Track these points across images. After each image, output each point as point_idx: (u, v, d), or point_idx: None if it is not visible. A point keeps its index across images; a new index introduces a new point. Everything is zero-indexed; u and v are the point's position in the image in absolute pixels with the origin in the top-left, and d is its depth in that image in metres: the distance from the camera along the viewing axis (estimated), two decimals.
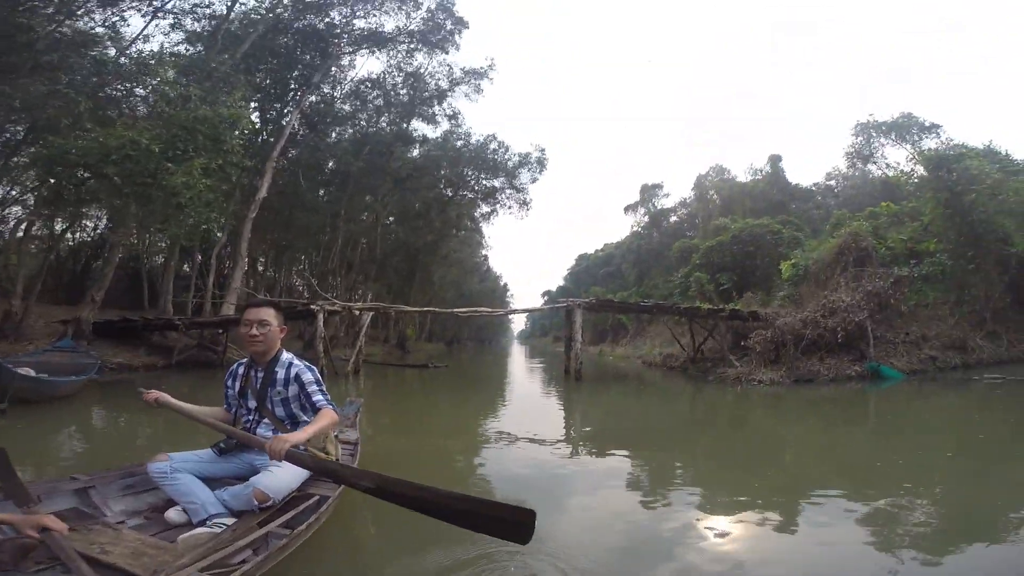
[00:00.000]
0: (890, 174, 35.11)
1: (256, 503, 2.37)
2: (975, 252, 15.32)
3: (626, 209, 54.04)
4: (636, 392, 13.30)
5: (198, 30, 17.43)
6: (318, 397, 2.76)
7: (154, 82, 12.06)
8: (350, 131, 25.99)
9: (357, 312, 14.30)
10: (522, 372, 20.31)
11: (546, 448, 5.93)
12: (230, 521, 2.33)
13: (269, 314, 2.77)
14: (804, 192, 38.49)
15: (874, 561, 2.83)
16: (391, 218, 29.65)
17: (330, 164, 25.96)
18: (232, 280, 17.58)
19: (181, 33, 16.91)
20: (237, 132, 12.45)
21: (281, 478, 2.49)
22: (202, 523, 2.29)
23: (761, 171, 41.29)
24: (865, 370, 12.59)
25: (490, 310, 17.32)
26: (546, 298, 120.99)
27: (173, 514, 2.41)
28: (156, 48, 14.82)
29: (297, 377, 2.76)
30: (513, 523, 1.85)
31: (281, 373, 2.77)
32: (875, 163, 35.87)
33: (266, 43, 19.43)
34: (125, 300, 19.26)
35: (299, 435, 2.49)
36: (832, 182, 39.73)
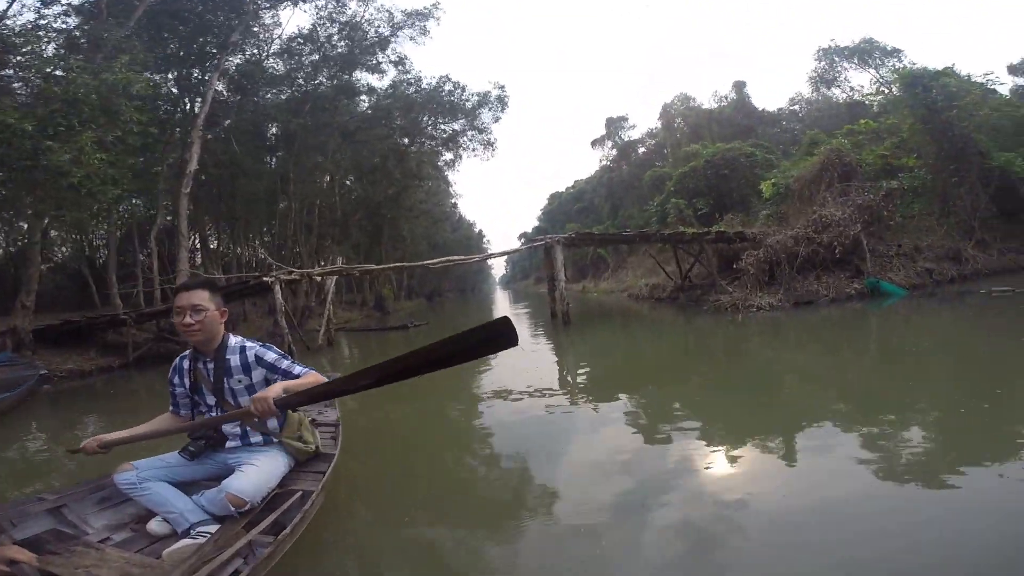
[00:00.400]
0: (855, 97, 34.95)
1: (232, 508, 2.17)
2: (957, 166, 15.32)
3: (593, 143, 52.68)
4: (628, 329, 12.79)
5: (75, 2, 15.20)
6: (296, 369, 2.48)
7: (21, 57, 10.45)
8: (288, 91, 23.73)
9: (318, 278, 13.21)
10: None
11: (542, 400, 5.67)
12: (214, 528, 2.14)
13: (202, 297, 2.41)
14: (770, 116, 37.88)
15: (875, 488, 2.82)
16: (349, 178, 27.66)
17: (272, 129, 23.87)
18: (178, 262, 16.18)
19: (57, 7, 14.67)
20: (132, 99, 10.90)
21: (255, 478, 2.27)
22: (186, 533, 2.12)
23: (726, 98, 40.36)
24: (864, 287, 12.14)
25: (463, 258, 16.25)
26: (523, 240, 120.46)
27: (155, 525, 2.23)
28: (30, 23, 12.87)
29: (259, 359, 2.48)
30: (497, 336, 2.04)
31: (235, 359, 2.47)
32: (839, 87, 35.85)
33: (167, 7, 17.14)
34: (74, 302, 17.87)
35: (275, 388, 2.28)
36: (796, 107, 39.58)
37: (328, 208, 26.60)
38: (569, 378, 7.46)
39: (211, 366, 2.48)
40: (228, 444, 2.49)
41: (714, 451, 3.55)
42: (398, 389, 7.37)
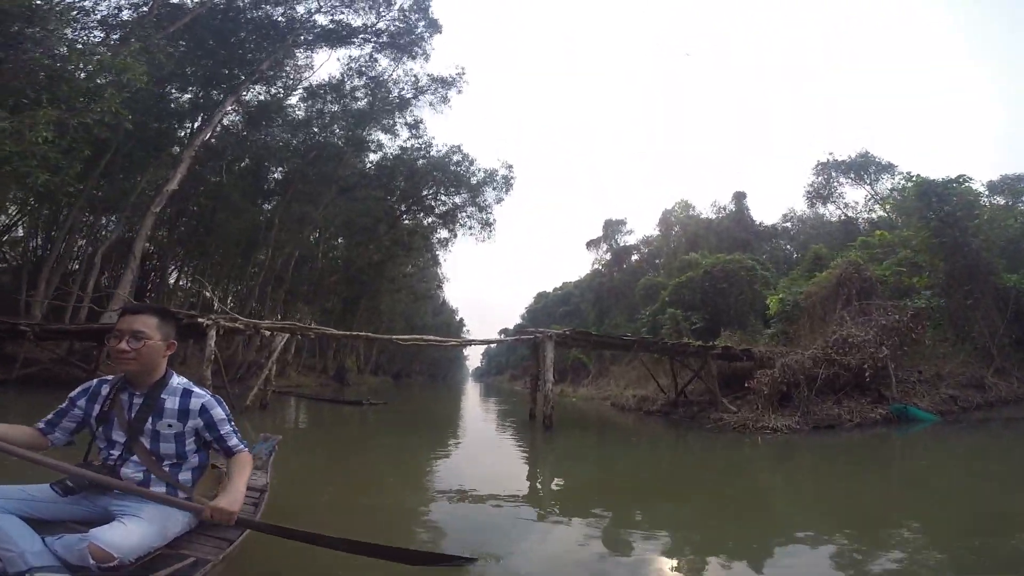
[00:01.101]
0: (848, 214, 35.94)
1: (93, 562, 1.76)
2: (971, 287, 14.44)
3: (588, 244, 52.84)
4: (617, 441, 10.85)
5: None
6: (234, 440, 2.26)
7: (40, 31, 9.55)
8: (301, 136, 23.33)
9: (267, 332, 11.35)
10: (478, 414, 17.38)
11: (509, 507, 4.72)
12: None
13: (149, 324, 2.09)
14: (766, 232, 38.31)
15: None
16: (335, 238, 26.53)
17: (272, 172, 23.13)
18: (120, 284, 14.26)
19: None
20: (123, 88, 9.77)
21: (136, 532, 1.90)
22: None
23: (725, 208, 41.12)
24: (890, 413, 10.77)
25: (440, 339, 14.52)
26: (503, 335, 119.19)
27: None
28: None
29: (204, 411, 2.19)
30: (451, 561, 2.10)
31: (171, 402, 2.14)
32: (833, 203, 36.70)
33: (211, 23, 16.95)
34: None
35: (236, 496, 2.09)
36: (788, 223, 39.86)
37: (303, 261, 25.03)
38: (544, 486, 6.37)
39: (137, 401, 2.14)
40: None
41: None
42: (331, 469, 6.45)
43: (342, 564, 2.70)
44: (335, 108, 23.36)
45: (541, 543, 3.73)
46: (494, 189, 26.06)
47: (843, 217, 36.54)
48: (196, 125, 18.47)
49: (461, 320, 75.29)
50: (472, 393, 35.44)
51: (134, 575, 1.82)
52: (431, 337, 13.65)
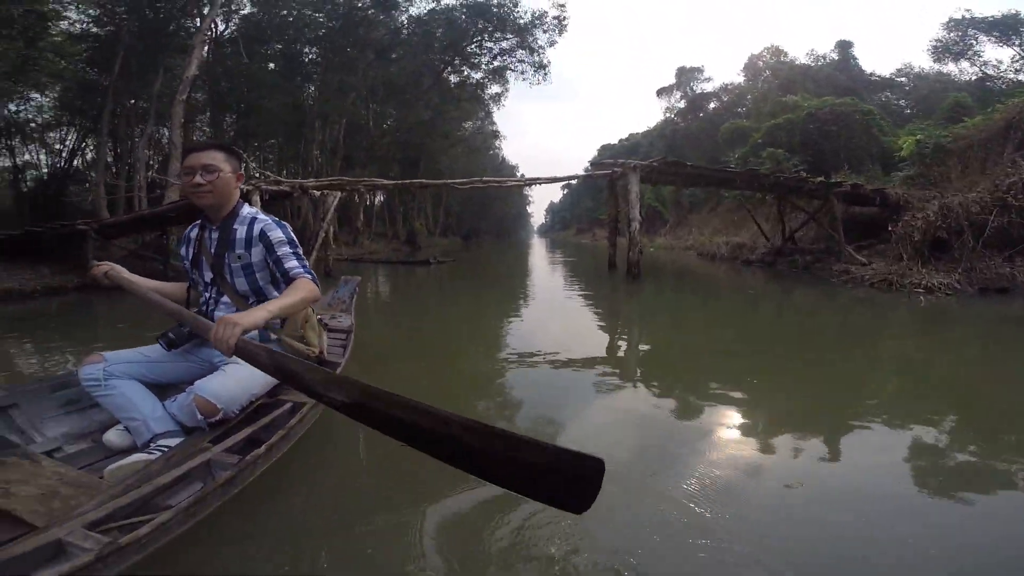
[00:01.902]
0: (990, 72, 28.75)
1: (200, 416, 1.77)
2: None
3: (659, 92, 46.96)
4: (721, 296, 9.47)
5: None
6: (292, 263, 2.01)
7: None
8: (324, 10, 20.37)
9: (317, 193, 10.35)
10: (546, 268, 16.48)
11: (595, 375, 3.97)
12: (178, 442, 1.74)
13: (216, 157, 1.98)
14: (880, 82, 31.65)
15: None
16: (384, 102, 24.02)
17: (303, 49, 20.69)
18: (168, 173, 13.62)
19: None
20: None
21: (234, 380, 1.86)
22: (146, 446, 1.75)
23: (825, 57, 34.15)
24: None
25: (499, 179, 12.95)
26: (566, 190, 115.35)
27: (113, 435, 1.87)
28: None
29: (263, 235, 2.02)
30: (567, 481, 0.89)
31: (241, 231, 2.03)
32: (969, 60, 29.42)
33: None
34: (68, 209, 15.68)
35: (257, 313, 1.69)
36: (903, 79, 32.71)
37: (356, 130, 23.35)
38: (633, 349, 5.34)
39: (215, 236, 2.06)
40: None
41: None
42: (421, 337, 5.75)
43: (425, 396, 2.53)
44: None
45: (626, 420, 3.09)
46: (545, 31, 22.09)
47: (980, 75, 29.38)
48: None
49: (522, 176, 72.43)
50: (539, 248, 34.74)
51: (239, 426, 1.79)
52: (491, 178, 12.24)
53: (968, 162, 11.64)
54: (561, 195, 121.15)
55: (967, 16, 28.36)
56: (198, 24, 15.68)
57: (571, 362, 4.27)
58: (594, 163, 19.22)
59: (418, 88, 22.44)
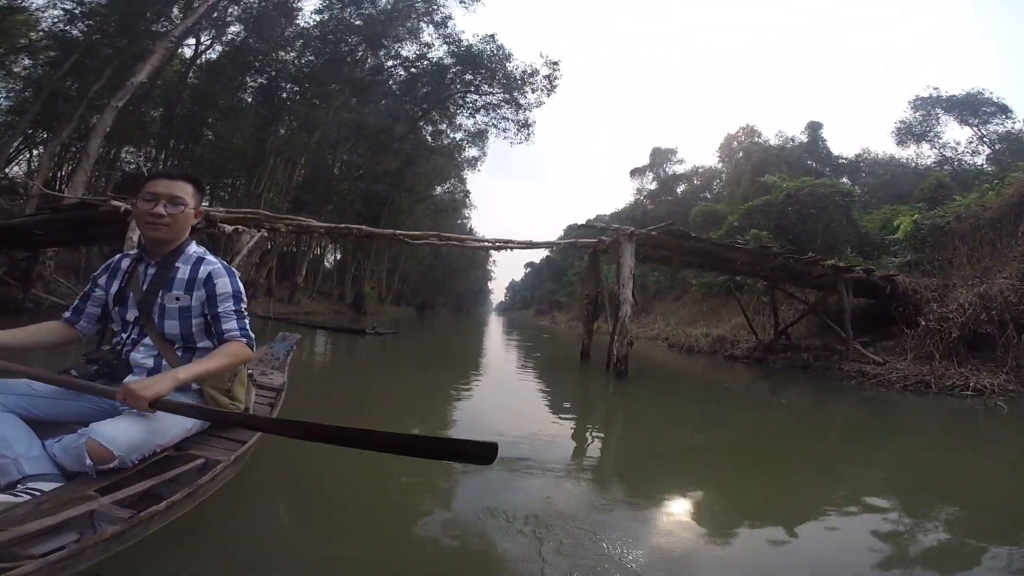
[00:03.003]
0: (945, 154, 30.84)
1: (90, 462, 1.50)
2: None
3: (632, 172, 48.14)
4: (730, 404, 7.35)
5: None
6: (230, 324, 1.83)
7: None
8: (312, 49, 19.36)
9: (228, 228, 7.98)
10: (505, 355, 14.14)
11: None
12: (53, 487, 1.47)
13: (186, 190, 1.82)
14: (849, 164, 33.11)
15: None
16: (350, 144, 22.42)
17: (278, 78, 19.33)
18: (72, 184, 11.18)
19: None
20: None
21: (139, 427, 1.61)
22: (13, 487, 1.48)
23: (794, 139, 36.09)
24: None
25: (460, 236, 10.70)
26: (529, 269, 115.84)
27: None
28: None
29: (208, 281, 1.83)
30: (476, 454, 1.40)
31: (184, 271, 1.84)
32: (929, 142, 31.60)
33: None
34: None
35: (164, 382, 1.58)
36: (861, 164, 34.80)
37: (317, 173, 21.41)
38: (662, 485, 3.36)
39: (151, 272, 1.84)
40: (129, 378, 1.75)
41: None
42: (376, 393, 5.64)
43: (362, 466, 2.62)
44: (349, 12, 19.13)
45: None
46: (533, 90, 21.22)
47: (939, 158, 31.49)
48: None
49: (489, 251, 71.84)
50: (496, 327, 32.45)
51: (134, 478, 1.55)
52: (450, 235, 10.06)
53: (975, 244, 10.57)
54: (524, 274, 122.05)
55: (934, 95, 29.62)
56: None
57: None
58: (584, 226, 17.64)
59: (390, 135, 20.83)
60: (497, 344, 15.65)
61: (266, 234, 8.66)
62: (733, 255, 9.16)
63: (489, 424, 4.52)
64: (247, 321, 1.87)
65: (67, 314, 1.91)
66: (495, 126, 21.45)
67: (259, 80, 19.67)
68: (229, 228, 8.35)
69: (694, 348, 14.04)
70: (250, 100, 20.04)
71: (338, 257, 39.37)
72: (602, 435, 4.67)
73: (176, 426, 1.71)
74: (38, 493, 1.43)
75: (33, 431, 1.58)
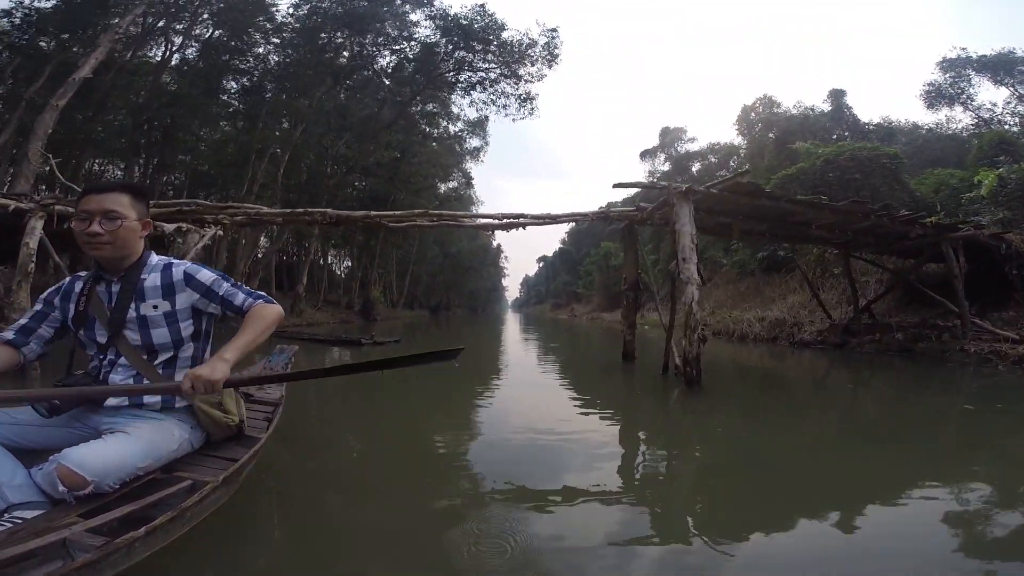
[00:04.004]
0: (984, 116, 28.56)
1: (63, 488, 1.43)
2: None
3: (643, 155, 45.93)
4: (854, 408, 5.36)
5: None
6: (239, 297, 1.82)
7: None
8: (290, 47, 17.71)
9: (169, 227, 6.22)
10: (528, 357, 12.12)
11: None
12: (36, 515, 1.43)
13: (121, 201, 1.70)
14: (878, 132, 30.70)
15: None
16: (338, 134, 20.58)
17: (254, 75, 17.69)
18: (11, 189, 9.64)
19: None
20: None
21: (113, 450, 1.54)
22: None
23: (814, 109, 33.74)
24: None
25: (458, 215, 8.33)
26: (542, 264, 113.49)
27: None
28: None
29: (190, 279, 1.79)
30: (444, 356, 1.82)
31: (154, 279, 1.77)
32: (963, 105, 29.29)
33: None
34: None
35: (229, 353, 1.65)
36: (894, 129, 32.51)
37: (299, 171, 19.63)
38: None
39: (116, 289, 1.75)
40: (109, 402, 1.72)
41: None
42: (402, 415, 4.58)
43: (366, 490, 2.49)
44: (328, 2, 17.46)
45: None
46: (531, 63, 19.11)
47: (976, 120, 29.29)
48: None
49: (499, 246, 70.00)
50: (513, 324, 30.49)
51: (116, 502, 1.47)
52: (443, 212, 8.01)
53: None
54: (536, 268, 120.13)
55: (961, 55, 27.65)
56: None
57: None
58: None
59: (378, 121, 18.92)
60: (517, 345, 13.74)
61: (220, 232, 6.94)
62: (814, 215, 7.16)
63: (524, 471, 2.71)
64: (245, 288, 1.85)
65: (9, 335, 1.76)
66: (493, 103, 19.40)
67: (241, 81, 18.07)
68: (169, 227, 6.64)
69: (747, 335, 12.07)
70: (227, 99, 18.40)
71: (348, 265, 38.07)
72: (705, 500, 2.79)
73: (158, 447, 1.64)
74: (19, 521, 1.39)
75: (18, 460, 1.53)
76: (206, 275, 1.79)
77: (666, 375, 6.41)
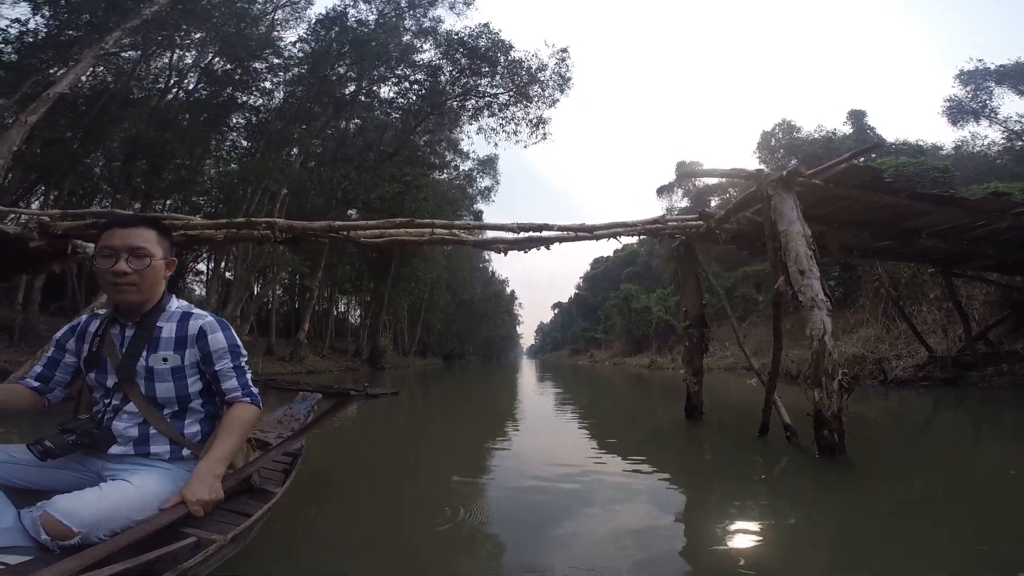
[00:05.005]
0: (1012, 128, 27.37)
1: (46, 537, 1.34)
2: None
3: (659, 191, 44.74)
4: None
5: None
6: (231, 382, 1.73)
7: None
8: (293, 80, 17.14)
9: (90, 248, 4.70)
10: (557, 414, 10.05)
11: None
12: (19, 561, 1.32)
13: (148, 238, 1.64)
14: (910, 151, 29.35)
15: None
16: (323, 169, 19.37)
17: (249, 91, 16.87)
18: None
19: None
20: None
21: (107, 499, 1.43)
22: None
23: (835, 132, 32.72)
24: None
25: (459, 225, 6.35)
26: (557, 310, 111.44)
27: None
28: None
29: (201, 336, 1.70)
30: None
31: (169, 329, 1.68)
32: (987, 118, 28.13)
33: None
34: None
35: (217, 467, 1.60)
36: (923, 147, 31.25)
37: (309, 205, 18.39)
38: None
39: (129, 333, 1.66)
40: (114, 449, 1.62)
41: None
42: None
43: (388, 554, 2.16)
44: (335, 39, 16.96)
45: None
46: (544, 88, 17.99)
47: (1008, 133, 28.20)
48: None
49: (512, 292, 68.43)
50: (529, 372, 28.24)
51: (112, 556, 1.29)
52: (436, 222, 6.14)
53: None
54: (552, 315, 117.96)
55: (979, 67, 26.72)
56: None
57: None
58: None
59: (379, 152, 17.73)
60: (538, 398, 11.47)
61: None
62: (935, 217, 5.41)
63: None
64: (248, 377, 1.77)
65: (32, 382, 1.70)
66: (503, 128, 18.17)
67: (247, 116, 17.32)
68: (90, 247, 5.08)
69: (797, 375, 10.05)
70: (231, 131, 17.61)
71: (359, 314, 36.61)
72: None
73: (162, 499, 1.53)
74: (3, 567, 1.31)
75: (12, 500, 1.45)
76: (219, 340, 1.70)
77: (764, 437, 4.53)
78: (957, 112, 28.77)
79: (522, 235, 5.89)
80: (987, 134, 28.88)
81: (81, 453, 1.59)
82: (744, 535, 2.36)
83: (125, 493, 1.45)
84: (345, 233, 5.73)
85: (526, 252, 6.14)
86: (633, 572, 1.97)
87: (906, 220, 5.71)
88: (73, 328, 1.75)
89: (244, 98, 16.82)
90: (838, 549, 2.25)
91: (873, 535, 2.31)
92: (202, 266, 19.84)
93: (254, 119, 17.01)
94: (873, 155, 4.45)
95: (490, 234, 6.17)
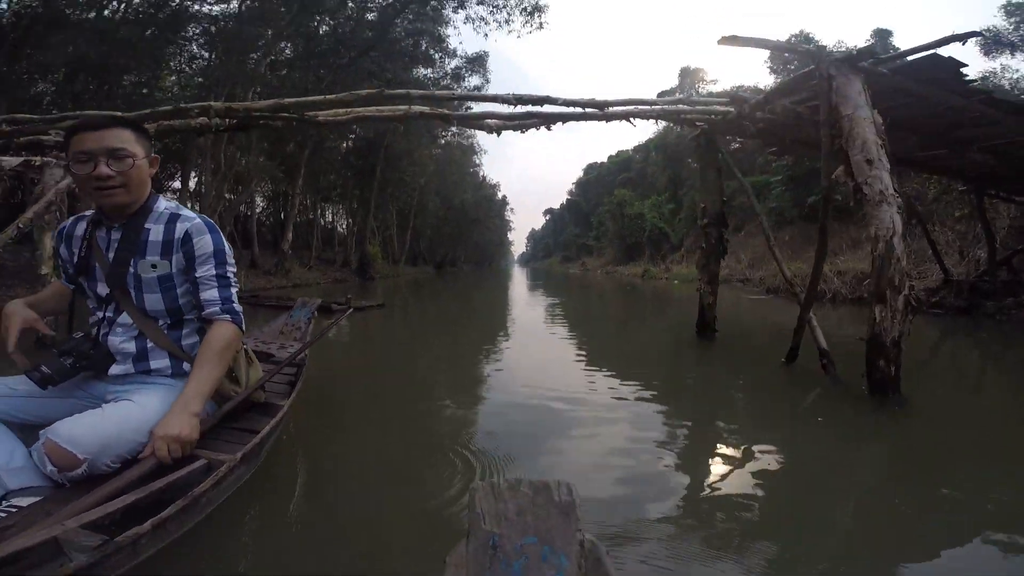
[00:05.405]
0: None
1: (51, 467, 1.26)
2: None
3: (659, 96, 42.01)
4: None
5: None
6: (210, 292, 1.57)
7: None
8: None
9: (11, 163, 3.93)
10: (555, 328, 9.11)
11: None
12: (30, 502, 1.24)
13: (125, 138, 1.47)
14: None
15: None
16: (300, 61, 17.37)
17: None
18: None
19: None
20: None
21: (110, 421, 1.36)
22: None
23: (856, 50, 29.94)
24: None
25: (430, 98, 5.40)
26: (548, 216, 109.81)
27: None
28: None
29: (187, 240, 1.54)
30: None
31: (156, 232, 1.54)
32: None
33: None
34: None
35: (193, 404, 1.44)
36: None
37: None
38: None
39: (116, 237, 1.54)
40: (114, 369, 1.53)
41: None
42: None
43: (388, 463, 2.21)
44: None
45: None
46: None
47: None
48: None
49: (504, 198, 66.69)
50: (522, 281, 27.98)
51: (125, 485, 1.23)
52: (415, 92, 5.21)
53: None
54: (543, 221, 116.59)
55: None
56: None
57: None
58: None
59: (351, 48, 15.90)
60: (537, 310, 11.14)
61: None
62: (995, 128, 4.73)
63: None
64: (233, 291, 1.60)
65: (67, 283, 1.67)
66: (493, 17, 16.18)
67: (204, 26, 15.23)
68: (13, 161, 4.27)
69: (824, 293, 9.75)
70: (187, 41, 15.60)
71: (348, 221, 35.28)
72: None
73: (161, 416, 1.42)
74: (13, 511, 1.21)
75: (20, 437, 1.39)
76: (204, 243, 1.54)
77: (790, 365, 4.14)
78: (993, 43, 26.82)
79: (519, 109, 5.07)
80: (1019, 67, 27.01)
81: (83, 378, 1.52)
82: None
83: (128, 413, 1.39)
84: (299, 113, 4.91)
85: (523, 132, 5.39)
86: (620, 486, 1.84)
87: (964, 128, 4.99)
88: (60, 231, 1.65)
89: (196, 7, 14.74)
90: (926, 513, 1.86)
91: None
92: (178, 183, 18.48)
93: (213, 29, 14.97)
94: (962, 43, 3.76)
95: (481, 109, 5.33)
